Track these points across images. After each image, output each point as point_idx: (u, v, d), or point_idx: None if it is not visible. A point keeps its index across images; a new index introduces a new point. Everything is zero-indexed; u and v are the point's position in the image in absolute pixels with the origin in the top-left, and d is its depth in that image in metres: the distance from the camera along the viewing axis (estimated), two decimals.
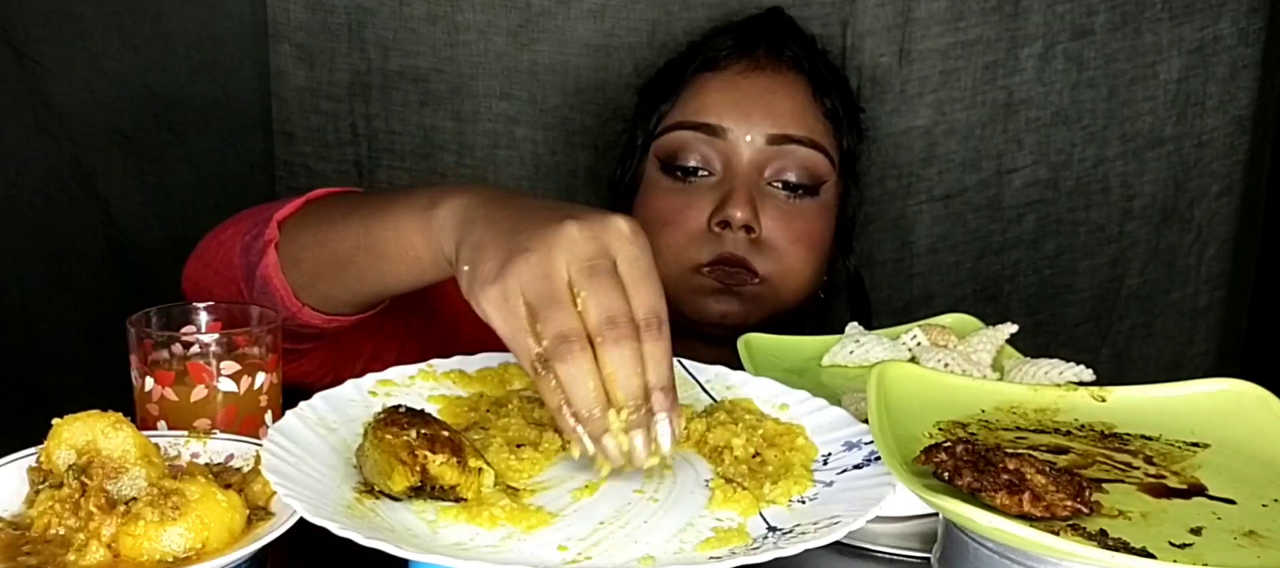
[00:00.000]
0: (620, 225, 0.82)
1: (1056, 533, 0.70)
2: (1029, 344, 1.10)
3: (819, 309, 1.47)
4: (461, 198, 0.92)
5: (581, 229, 0.80)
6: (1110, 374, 0.99)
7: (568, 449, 0.83)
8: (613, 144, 1.56)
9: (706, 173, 1.34)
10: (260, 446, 0.82)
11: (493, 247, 0.83)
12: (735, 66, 1.38)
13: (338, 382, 0.93)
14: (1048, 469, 0.75)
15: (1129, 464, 0.82)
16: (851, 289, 1.50)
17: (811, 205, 1.36)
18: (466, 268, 0.85)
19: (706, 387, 1.01)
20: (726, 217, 1.30)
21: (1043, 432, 0.88)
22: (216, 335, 0.96)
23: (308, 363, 1.15)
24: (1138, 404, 0.92)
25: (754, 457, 0.88)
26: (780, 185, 1.34)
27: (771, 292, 1.33)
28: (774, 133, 1.34)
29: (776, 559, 0.74)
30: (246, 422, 0.96)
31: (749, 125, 1.33)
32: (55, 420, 0.83)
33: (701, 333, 1.32)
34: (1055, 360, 1.00)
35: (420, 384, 0.97)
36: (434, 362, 0.99)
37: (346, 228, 1.02)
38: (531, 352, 0.79)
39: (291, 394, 0.97)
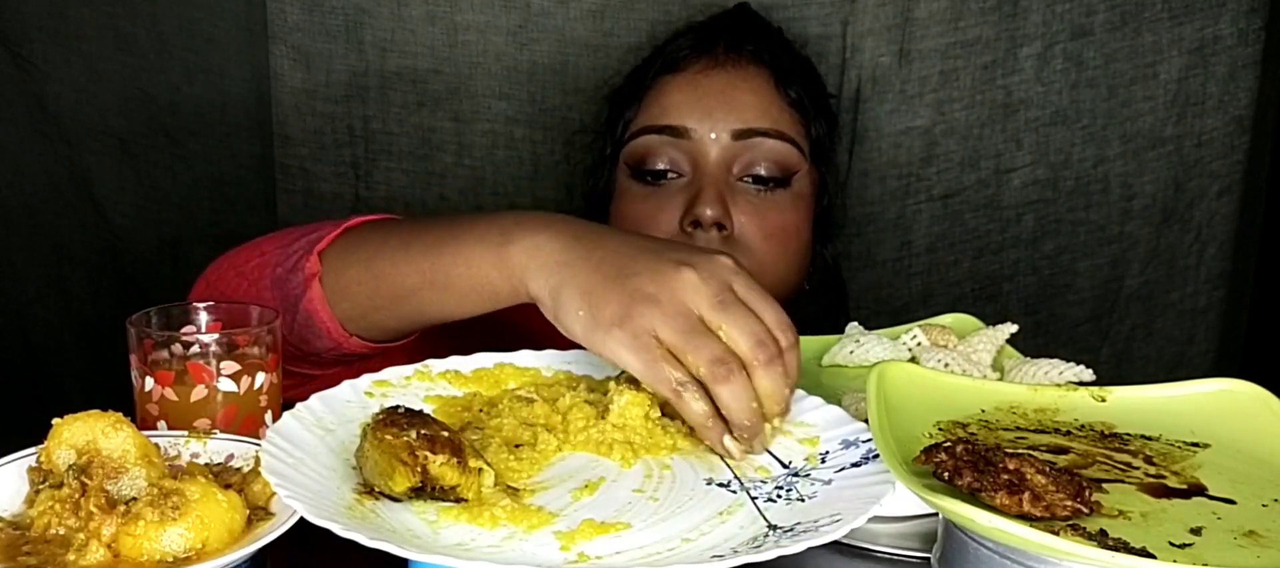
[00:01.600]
0: (725, 261, 0.90)
1: (1056, 533, 0.70)
2: (1029, 344, 1.10)
3: (808, 300, 1.46)
4: (540, 235, 0.95)
5: (698, 273, 0.88)
6: (1110, 374, 0.99)
7: (722, 456, 0.89)
8: (585, 153, 1.55)
9: (675, 175, 1.34)
10: (260, 446, 0.82)
11: (607, 292, 0.89)
12: (695, 66, 1.37)
13: None
14: (1048, 469, 0.75)
15: (1129, 464, 0.82)
16: (828, 282, 1.48)
17: (784, 197, 1.35)
18: (581, 313, 0.90)
19: None
20: (696, 216, 1.29)
21: (1043, 432, 0.88)
22: (216, 335, 0.96)
23: (305, 392, 1.13)
24: (1138, 404, 0.92)
25: None
26: (750, 179, 1.33)
27: None
28: (738, 128, 1.33)
29: (778, 558, 0.74)
30: (246, 422, 0.96)
31: (712, 123, 1.33)
32: (55, 420, 0.83)
33: None
34: (1055, 360, 1.00)
35: (416, 385, 0.97)
36: (429, 362, 0.99)
37: (407, 262, 1.02)
38: (672, 379, 0.86)
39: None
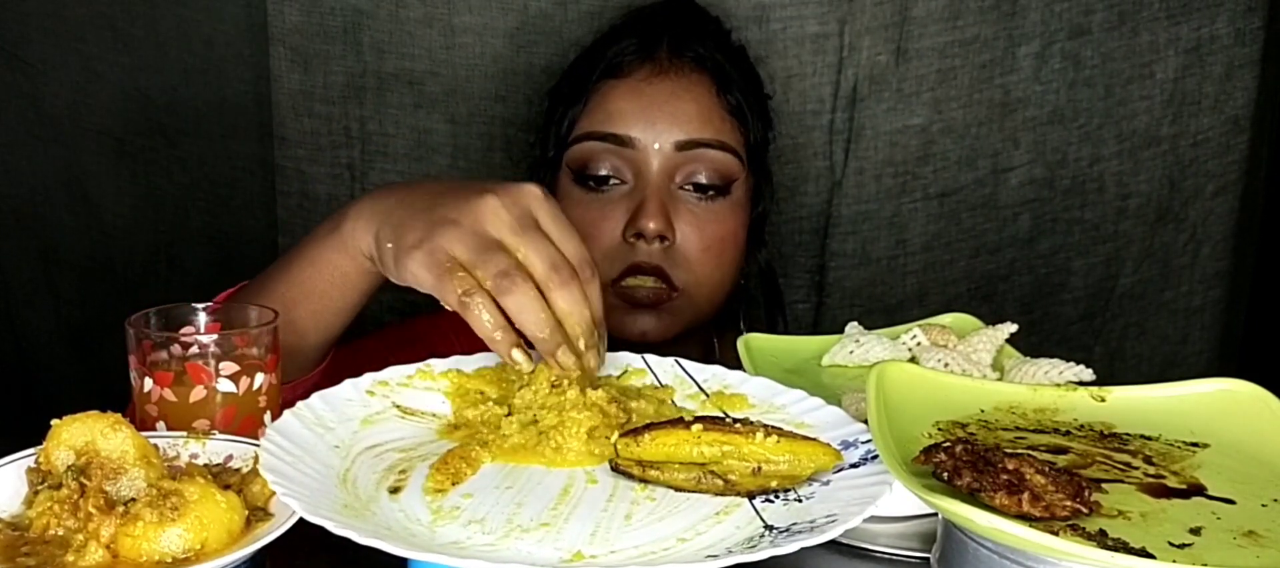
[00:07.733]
0: (533, 190, 0.95)
1: (1056, 533, 0.70)
2: (1024, 343, 1.11)
3: (742, 302, 1.47)
4: (362, 203, 1.02)
5: (500, 198, 0.93)
6: (1103, 373, 0.99)
7: (509, 363, 0.92)
8: (526, 151, 1.54)
9: (618, 181, 1.34)
10: (259, 446, 0.82)
11: (413, 222, 0.94)
12: (639, 72, 1.36)
13: None
14: (1047, 469, 0.75)
15: (1128, 464, 0.82)
16: (764, 287, 1.48)
17: (724, 205, 1.36)
18: (390, 245, 0.96)
19: (703, 386, 1.01)
20: (640, 229, 1.31)
21: (1042, 432, 0.88)
22: (215, 336, 0.96)
23: None
24: (1137, 404, 0.92)
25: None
26: (691, 188, 1.34)
27: (689, 302, 1.34)
28: (681, 139, 1.33)
29: (775, 558, 0.74)
30: (245, 422, 0.95)
31: (656, 133, 1.33)
32: (54, 421, 0.83)
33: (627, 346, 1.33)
34: (1055, 360, 1.00)
35: (418, 383, 0.97)
36: (431, 362, 0.99)
37: (271, 295, 1.07)
38: (458, 289, 0.90)
39: None
